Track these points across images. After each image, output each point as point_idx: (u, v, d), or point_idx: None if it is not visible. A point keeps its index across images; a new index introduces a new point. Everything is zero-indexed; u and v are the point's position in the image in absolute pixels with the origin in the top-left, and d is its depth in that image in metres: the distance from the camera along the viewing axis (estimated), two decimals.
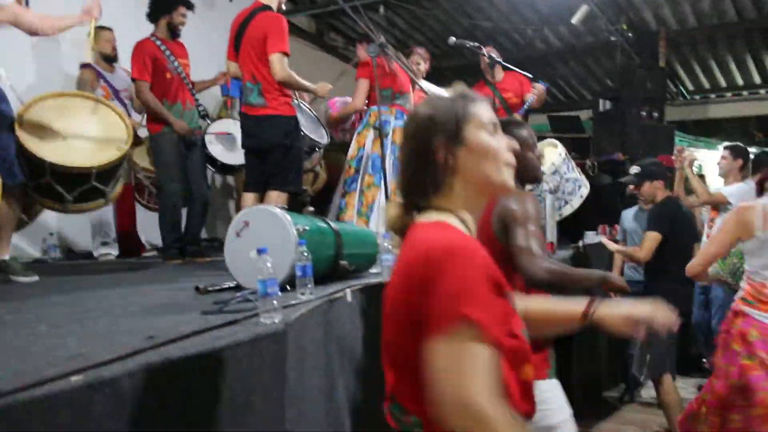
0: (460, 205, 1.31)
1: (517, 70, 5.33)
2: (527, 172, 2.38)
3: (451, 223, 1.28)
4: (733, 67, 8.74)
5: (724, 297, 4.66)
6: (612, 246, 4.64)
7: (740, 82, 9.09)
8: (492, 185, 1.33)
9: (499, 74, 5.63)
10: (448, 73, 8.18)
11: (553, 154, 4.83)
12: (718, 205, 4.91)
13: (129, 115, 4.79)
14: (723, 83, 9.21)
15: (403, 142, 1.39)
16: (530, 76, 5.30)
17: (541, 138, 4.71)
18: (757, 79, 8.94)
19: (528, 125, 2.54)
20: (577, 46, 8.73)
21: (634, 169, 4.41)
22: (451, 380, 1.08)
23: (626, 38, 7.87)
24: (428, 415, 1.13)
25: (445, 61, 8.65)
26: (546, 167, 4.45)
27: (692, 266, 3.16)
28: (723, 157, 5.26)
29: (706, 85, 9.32)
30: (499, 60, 5.32)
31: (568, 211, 4.79)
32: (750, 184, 4.97)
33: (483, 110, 1.34)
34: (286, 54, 3.91)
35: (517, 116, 5.37)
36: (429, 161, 1.30)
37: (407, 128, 1.38)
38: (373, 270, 3.12)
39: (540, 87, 5.48)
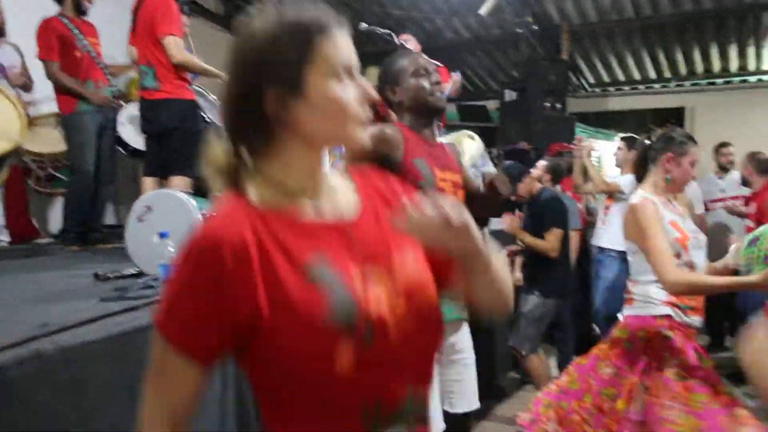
0: (284, 166, 1.04)
1: (430, 60, 5.41)
2: (416, 102, 2.24)
3: (247, 196, 1.01)
4: (630, 61, 9.14)
5: (613, 279, 4.90)
6: (520, 233, 4.68)
7: (637, 76, 9.52)
8: (334, 143, 1.09)
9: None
10: (360, 60, 8.18)
11: (471, 146, 4.93)
12: (613, 193, 5.15)
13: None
14: (621, 77, 9.62)
15: (228, 79, 1.04)
16: (440, 64, 5.38)
17: (451, 128, 4.81)
18: (653, 74, 9.39)
19: (410, 53, 2.42)
20: (484, 37, 8.91)
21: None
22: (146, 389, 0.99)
23: (531, 31, 8.11)
24: None
25: (357, 48, 8.62)
26: (465, 160, 4.54)
27: (672, 279, 2.46)
28: (619, 148, 5.51)
29: (606, 78, 9.72)
30: (411, 49, 5.37)
31: None
32: None
33: (334, 45, 1.03)
34: (179, 36, 3.85)
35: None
36: (255, 112, 1.00)
37: (232, 60, 1.03)
38: None
39: (456, 77, 5.60)
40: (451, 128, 5.76)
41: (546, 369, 4.09)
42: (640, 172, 2.80)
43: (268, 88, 0.99)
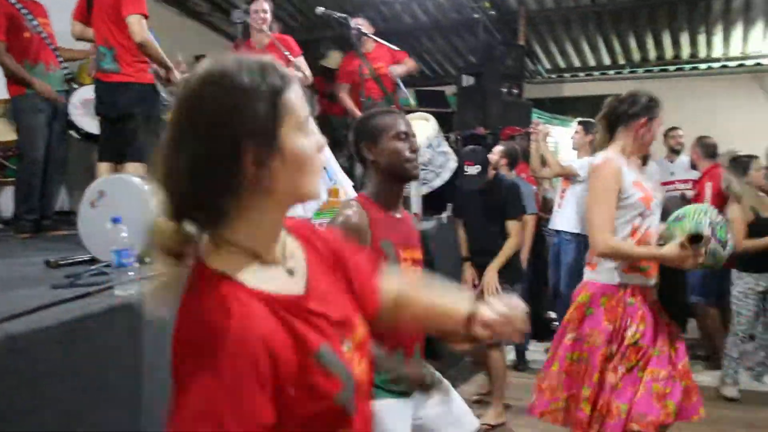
0: (253, 230, 0.99)
1: (386, 43, 5.43)
2: (391, 167, 2.16)
3: (237, 277, 0.96)
4: (586, 48, 9.26)
5: (571, 262, 5.01)
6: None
7: (592, 62, 9.65)
8: (298, 200, 1.04)
9: (370, 45, 5.69)
10: (317, 44, 8.13)
11: (426, 127, 4.96)
12: (570, 176, 5.24)
13: None
14: (577, 63, 9.74)
15: (182, 134, 0.95)
16: (396, 48, 5.42)
17: (408, 112, 4.83)
18: (607, 60, 9.52)
19: (393, 112, 2.32)
20: (442, 22, 8.93)
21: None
22: None
23: (489, 16, 8.15)
24: None
25: (315, 32, 8.59)
26: (420, 140, 4.55)
27: (600, 241, 2.55)
28: (576, 132, 5.59)
29: (562, 64, 9.82)
30: (366, 32, 5.37)
31: (437, 183, 4.96)
32: None
33: (297, 98, 1.01)
34: (144, 16, 3.76)
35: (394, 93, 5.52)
36: (230, 173, 0.94)
37: (196, 117, 0.95)
38: None
39: (410, 62, 5.68)
40: (408, 113, 5.78)
41: (502, 356, 4.15)
42: (607, 133, 2.78)
43: (246, 146, 0.93)
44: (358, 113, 5.19)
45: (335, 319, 1.06)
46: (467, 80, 7.50)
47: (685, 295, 3.45)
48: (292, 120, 0.98)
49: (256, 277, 0.98)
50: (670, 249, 2.45)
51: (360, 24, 5.44)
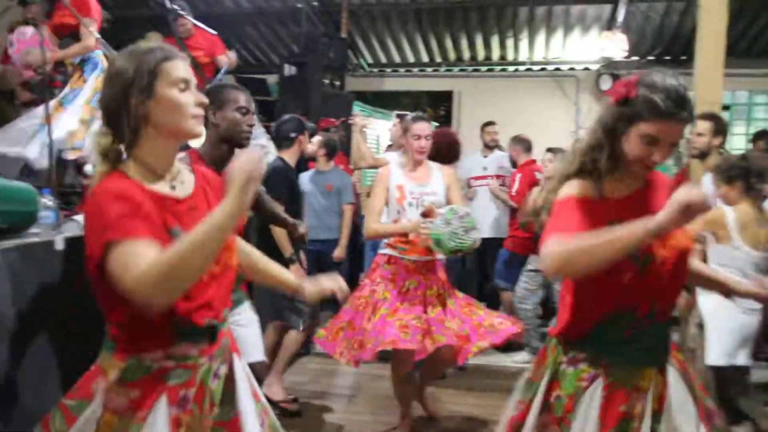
0: (149, 152, 1.55)
1: (207, 28, 5.27)
2: (228, 133, 2.59)
3: (126, 171, 1.53)
4: (405, 44, 9.55)
5: None
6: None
7: (412, 59, 9.97)
8: (179, 134, 1.57)
9: (190, 30, 5.49)
10: (134, 24, 7.70)
11: None
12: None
13: None
14: (397, 59, 10.00)
15: (104, 88, 1.59)
16: (214, 32, 5.28)
17: None
18: (425, 58, 9.88)
19: (240, 89, 2.72)
20: (265, 9, 8.82)
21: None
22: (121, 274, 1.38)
23: (312, 6, 8.17)
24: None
25: (130, 10, 8.15)
26: None
27: (368, 226, 3.55)
28: (394, 125, 5.78)
29: (384, 59, 10.05)
30: (182, 13, 5.19)
31: None
32: None
33: (174, 67, 1.54)
34: None
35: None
36: (124, 110, 1.51)
37: (107, 77, 1.57)
38: (33, 230, 2.86)
39: (233, 57, 5.56)
40: None
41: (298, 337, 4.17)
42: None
43: (132, 95, 1.51)
44: None
45: (197, 217, 1.50)
46: (290, 70, 7.48)
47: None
48: (166, 79, 1.52)
49: (145, 179, 1.54)
50: (410, 224, 3.40)
51: (179, 6, 5.24)
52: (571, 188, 1.76)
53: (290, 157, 4.23)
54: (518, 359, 5.15)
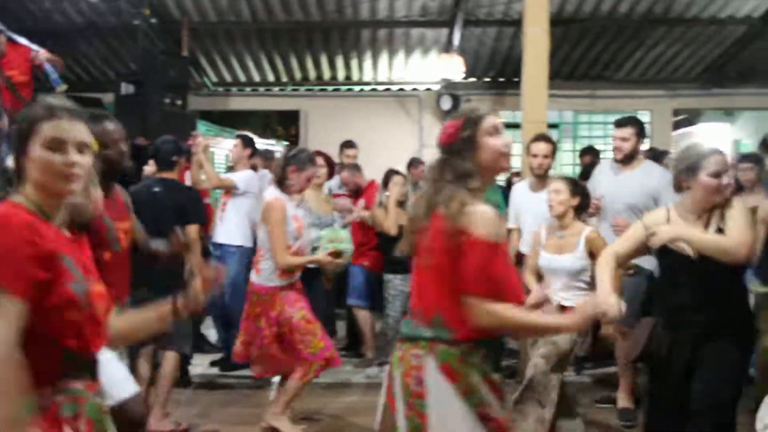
0: (36, 197, 1.63)
1: (23, 40, 4.93)
2: (113, 166, 2.89)
3: (20, 202, 1.60)
4: (250, 63, 9.45)
5: (234, 275, 5.04)
6: None
7: (257, 78, 9.87)
8: (50, 192, 1.63)
9: (2, 47, 5.07)
10: None
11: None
12: (229, 189, 5.30)
13: None
14: (243, 78, 9.87)
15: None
16: (35, 47, 4.95)
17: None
18: (271, 77, 9.81)
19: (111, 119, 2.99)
20: (99, 25, 8.42)
21: None
22: None
23: (149, 23, 7.88)
24: None
25: None
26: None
27: (280, 260, 3.80)
28: (234, 146, 5.68)
29: (228, 78, 9.87)
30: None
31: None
32: (261, 173, 5.49)
33: (52, 127, 1.61)
34: None
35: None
36: (18, 160, 1.65)
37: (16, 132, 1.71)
38: None
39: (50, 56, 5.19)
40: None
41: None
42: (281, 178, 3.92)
43: (20, 148, 1.63)
44: None
45: (83, 260, 1.70)
46: (127, 88, 7.17)
47: None
48: (38, 139, 1.60)
49: (34, 209, 1.61)
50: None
51: None
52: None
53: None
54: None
